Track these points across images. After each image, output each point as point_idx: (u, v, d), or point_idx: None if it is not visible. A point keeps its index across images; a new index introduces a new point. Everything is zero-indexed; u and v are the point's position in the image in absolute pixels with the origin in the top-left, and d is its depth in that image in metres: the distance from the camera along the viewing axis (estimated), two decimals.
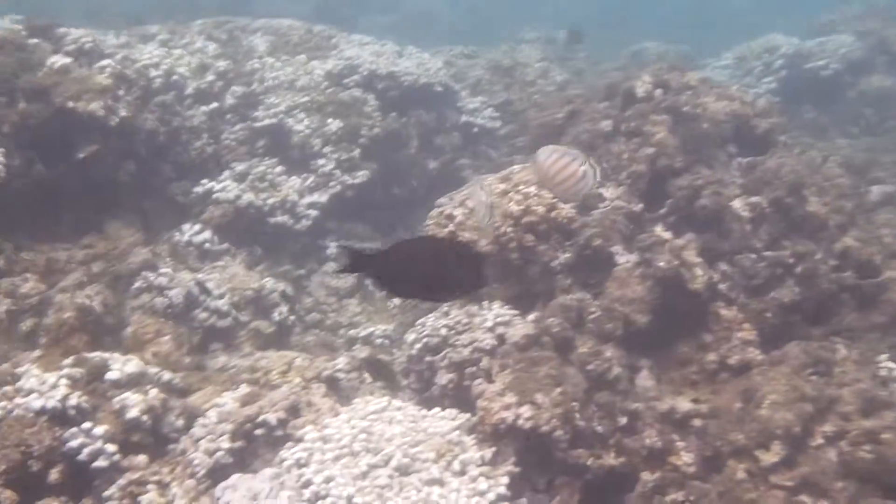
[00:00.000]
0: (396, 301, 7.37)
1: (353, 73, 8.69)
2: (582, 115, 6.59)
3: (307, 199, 7.66)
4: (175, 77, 7.70)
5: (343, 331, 7.03)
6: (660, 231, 5.29)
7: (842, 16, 13.08)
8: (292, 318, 6.78)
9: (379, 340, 6.71)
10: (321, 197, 7.71)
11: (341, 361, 5.41)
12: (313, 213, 7.60)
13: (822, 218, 5.59)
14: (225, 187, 7.20)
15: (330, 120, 7.99)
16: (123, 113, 6.54)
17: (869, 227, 6.32)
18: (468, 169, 9.14)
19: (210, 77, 7.96)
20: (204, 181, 7.24)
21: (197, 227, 7.05)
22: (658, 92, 6.28)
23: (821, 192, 5.80)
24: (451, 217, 5.80)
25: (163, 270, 6.26)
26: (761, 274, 5.30)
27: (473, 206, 5.27)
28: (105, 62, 6.85)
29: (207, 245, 6.99)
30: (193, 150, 7.49)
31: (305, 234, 7.62)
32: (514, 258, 5.46)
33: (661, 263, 4.99)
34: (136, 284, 6.09)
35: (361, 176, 7.84)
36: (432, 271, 2.60)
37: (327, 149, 7.85)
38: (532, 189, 5.58)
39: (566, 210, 5.47)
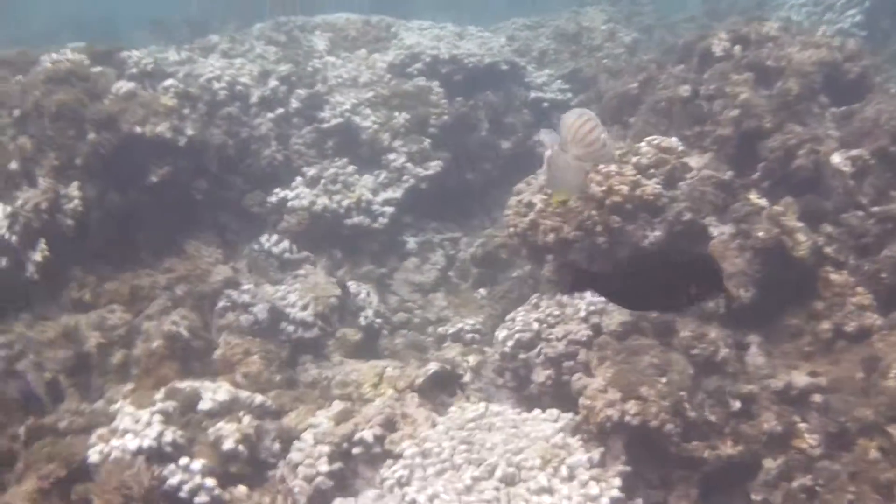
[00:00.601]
0: (482, 291, 7.24)
1: (416, 61, 8.52)
2: (657, 81, 6.27)
3: (382, 196, 7.55)
4: (239, 87, 7.66)
5: (431, 328, 6.91)
6: (755, 198, 4.97)
7: None
8: (379, 321, 6.69)
9: (469, 336, 6.56)
10: (395, 192, 7.59)
11: (433, 367, 5.28)
12: (389, 209, 7.48)
13: None
14: (298, 194, 7.15)
15: (396, 113, 7.85)
16: (190, 132, 6.53)
17: None
18: (542, 146, 8.88)
19: (273, 83, 7.89)
20: (277, 190, 7.20)
21: (274, 237, 7.02)
22: (737, 48, 5.92)
23: None
24: (530, 205, 5.60)
25: (245, 287, 6.26)
26: (871, 232, 4.92)
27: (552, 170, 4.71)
28: (169, 82, 6.85)
29: (287, 255, 6.95)
30: (264, 159, 7.45)
31: (383, 232, 7.52)
32: (602, 242, 5.23)
33: (760, 234, 4.69)
34: (221, 304, 6.10)
35: (434, 167, 7.69)
36: (666, 283, 2.62)
37: (397, 142, 7.72)
38: (613, 168, 5.33)
39: (651, 186, 5.20)
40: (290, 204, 7.11)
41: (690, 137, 5.66)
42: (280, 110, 7.80)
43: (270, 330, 6.12)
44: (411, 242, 7.69)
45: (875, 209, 4.98)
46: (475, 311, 7.05)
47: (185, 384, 5.00)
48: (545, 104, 9.26)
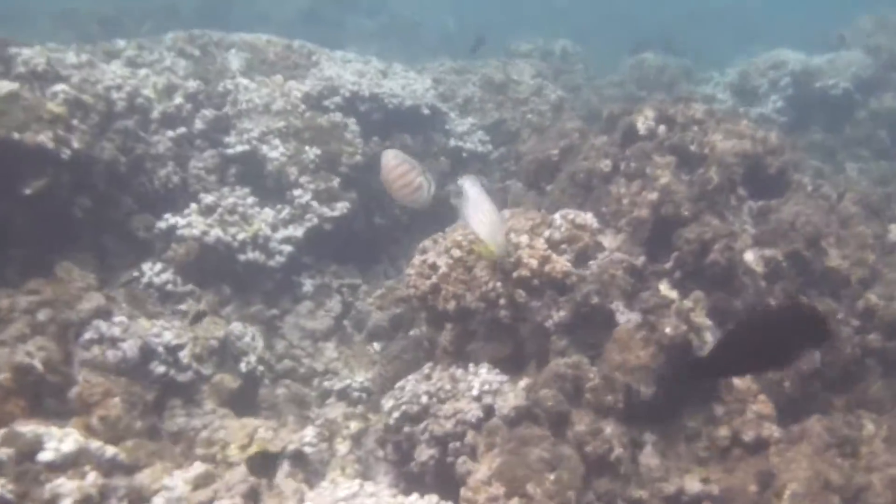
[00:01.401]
0: (376, 346, 6.93)
1: (334, 94, 8.22)
2: (579, 151, 6.14)
3: (281, 233, 7.17)
4: (140, 100, 7.19)
5: (317, 380, 6.55)
6: (665, 290, 4.83)
7: (853, 30, 12.64)
8: (261, 368, 6.29)
9: (356, 394, 6.24)
10: (296, 231, 7.23)
11: (309, 433, 4.93)
12: (287, 248, 7.11)
13: (842, 273, 5.16)
14: (190, 222, 6.70)
15: (307, 147, 7.50)
16: (77, 145, 6.03)
17: (893, 275, 5.89)
18: (457, 197, 8.67)
19: (178, 99, 7.46)
20: (167, 216, 6.73)
21: (158, 266, 6.55)
22: (662, 128, 5.83)
23: (840, 242, 5.38)
24: (434, 267, 5.34)
25: (117, 319, 5.75)
26: None
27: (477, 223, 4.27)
28: (59, 87, 6.32)
29: (170, 286, 6.49)
30: (158, 180, 6.99)
31: (279, 270, 7.14)
32: (504, 316, 5.00)
33: (668, 329, 4.53)
34: (87, 335, 5.59)
35: (341, 208, 7.36)
36: (778, 343, 2.63)
37: (304, 178, 7.36)
38: (524, 238, 5.13)
39: (561, 263, 5.01)
40: (179, 232, 6.65)
41: (606, 215, 5.51)
42: (182, 129, 7.36)
43: (139, 369, 5.63)
44: (308, 285, 7.32)
45: None
46: (366, 366, 6.74)
47: (29, 428, 4.48)
48: (464, 154, 9.10)
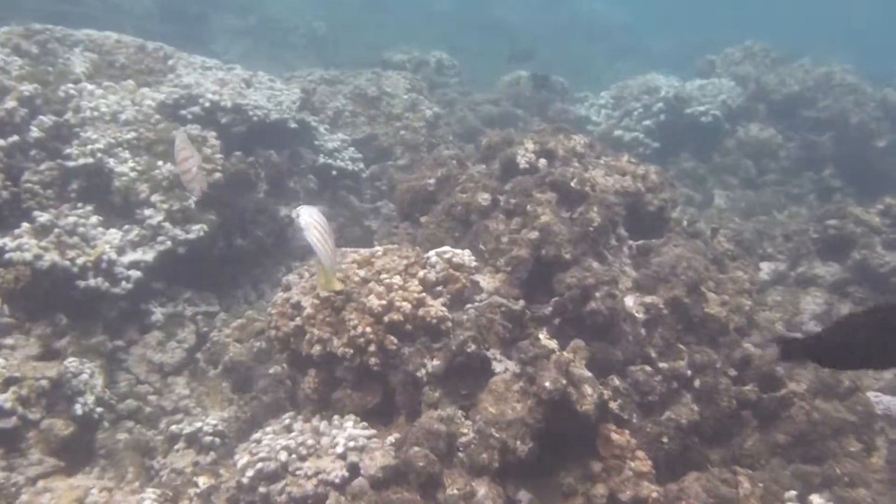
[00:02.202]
0: (225, 386, 6.46)
1: (192, 104, 7.68)
2: (456, 181, 5.89)
3: (129, 257, 6.60)
4: None
5: (165, 422, 6.04)
6: (544, 339, 4.62)
7: (723, 58, 13.03)
8: (100, 409, 5.73)
9: (208, 438, 5.76)
10: (146, 254, 6.66)
11: (149, 497, 4.45)
12: (135, 273, 6.54)
13: (721, 321, 5.11)
14: (21, 245, 6.03)
15: (161, 162, 6.95)
16: None
17: (766, 315, 5.95)
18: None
19: (10, 103, 6.75)
20: None
21: None
22: (542, 162, 5.67)
23: (719, 287, 5.34)
24: (298, 307, 4.96)
25: None
26: (656, 390, 4.74)
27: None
28: None
29: None
30: None
31: (125, 297, 6.56)
32: (374, 363, 4.68)
33: (547, 383, 4.31)
34: None
35: (197, 231, 6.84)
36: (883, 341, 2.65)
37: (156, 196, 6.80)
38: (396, 279, 4.83)
39: (436, 308, 4.74)
40: (7, 255, 5.98)
41: (485, 252, 5.28)
42: (14, 138, 6.66)
43: None
44: (157, 313, 6.78)
45: (662, 365, 4.81)
46: (220, 404, 6.28)
47: None
48: (334, 172, 8.72)
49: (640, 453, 4.46)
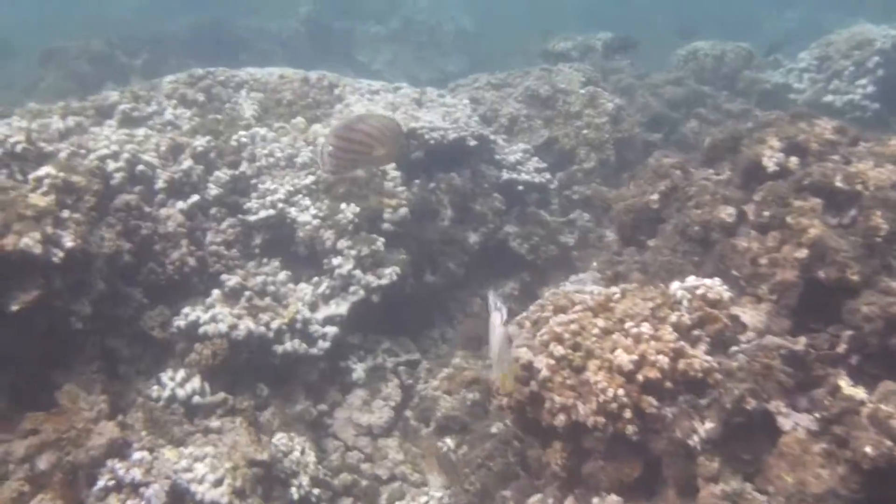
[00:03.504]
0: (449, 442, 5.98)
1: None
2: (684, 193, 5.15)
3: (323, 313, 6.26)
4: (141, 167, 6.29)
5: (385, 495, 5.64)
6: (846, 387, 3.81)
7: None
8: (317, 491, 5.37)
9: None
10: (339, 307, 6.31)
11: None
12: (332, 330, 6.20)
13: None
14: (215, 315, 5.77)
15: (343, 204, 6.56)
16: (69, 242, 5.12)
17: None
18: (517, 238, 7.74)
19: (187, 162, 6.54)
20: (186, 310, 5.82)
21: (181, 373, 5.64)
22: (793, 161, 4.83)
23: None
24: (530, 368, 4.38)
25: (136, 455, 4.89)
26: None
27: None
28: (43, 171, 5.40)
29: (197, 398, 5.58)
30: (170, 265, 6.07)
31: (323, 358, 6.22)
32: (632, 432, 4.03)
33: (867, 448, 3.52)
34: (101, 483, 4.71)
35: (389, 274, 6.42)
36: None
37: (343, 242, 6.43)
38: (645, 328, 4.16)
39: (699, 359, 4.03)
40: (202, 329, 5.74)
41: (740, 280, 4.53)
42: (195, 198, 6.44)
43: None
44: (358, 370, 6.42)
45: None
46: (439, 470, 5.81)
47: None
48: (520, 187, 8.13)
49: None
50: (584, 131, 9.18)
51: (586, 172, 8.89)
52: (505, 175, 8.08)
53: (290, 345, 6.00)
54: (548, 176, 8.42)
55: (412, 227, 6.97)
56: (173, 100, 7.64)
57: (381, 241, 6.51)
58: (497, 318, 3.69)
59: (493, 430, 5.55)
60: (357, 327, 6.54)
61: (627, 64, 12.62)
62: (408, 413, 6.31)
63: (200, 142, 6.73)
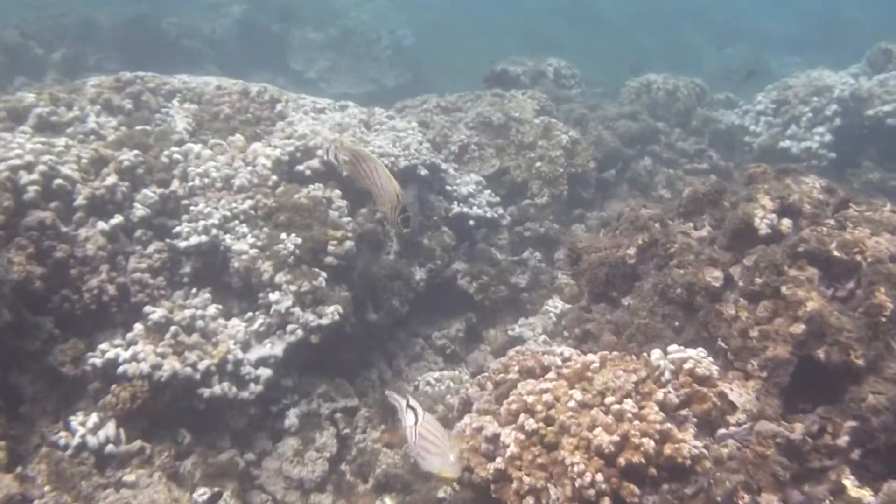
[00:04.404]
0: (388, 501, 5.56)
1: (309, 156, 6.80)
2: (664, 250, 4.85)
3: (256, 353, 5.76)
4: (59, 181, 5.72)
5: None
6: (851, 487, 3.54)
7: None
8: None
9: None
10: (275, 348, 5.82)
11: None
12: (265, 373, 5.70)
13: None
14: (136, 354, 5.24)
15: (284, 234, 6.10)
16: None
17: None
18: (465, 276, 7.38)
19: (111, 178, 5.98)
20: (104, 346, 5.27)
21: (93, 418, 5.08)
22: (786, 223, 4.58)
23: None
24: (495, 441, 3.99)
25: None
26: None
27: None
28: None
29: (110, 447, 5.02)
30: (87, 292, 5.52)
31: (254, 402, 5.73)
32: None
33: None
34: None
35: (331, 314, 5.96)
36: None
37: (281, 276, 5.95)
38: (628, 405, 3.81)
39: (688, 444, 3.70)
40: (122, 369, 5.19)
41: (727, 352, 4.23)
42: (118, 218, 5.88)
43: None
44: (291, 416, 5.94)
45: None
46: None
47: None
48: (471, 222, 7.76)
49: None
50: (538, 164, 8.87)
51: (539, 208, 8.58)
52: (456, 208, 7.71)
53: (220, 388, 5.49)
54: (500, 211, 8.09)
55: (356, 261, 6.54)
56: (97, 105, 7.03)
57: (322, 277, 6.06)
58: (410, 419, 3.55)
59: (441, 494, 5.14)
60: (291, 369, 6.06)
61: (578, 93, 12.44)
62: (343, 467, 5.86)
63: (127, 155, 6.17)
